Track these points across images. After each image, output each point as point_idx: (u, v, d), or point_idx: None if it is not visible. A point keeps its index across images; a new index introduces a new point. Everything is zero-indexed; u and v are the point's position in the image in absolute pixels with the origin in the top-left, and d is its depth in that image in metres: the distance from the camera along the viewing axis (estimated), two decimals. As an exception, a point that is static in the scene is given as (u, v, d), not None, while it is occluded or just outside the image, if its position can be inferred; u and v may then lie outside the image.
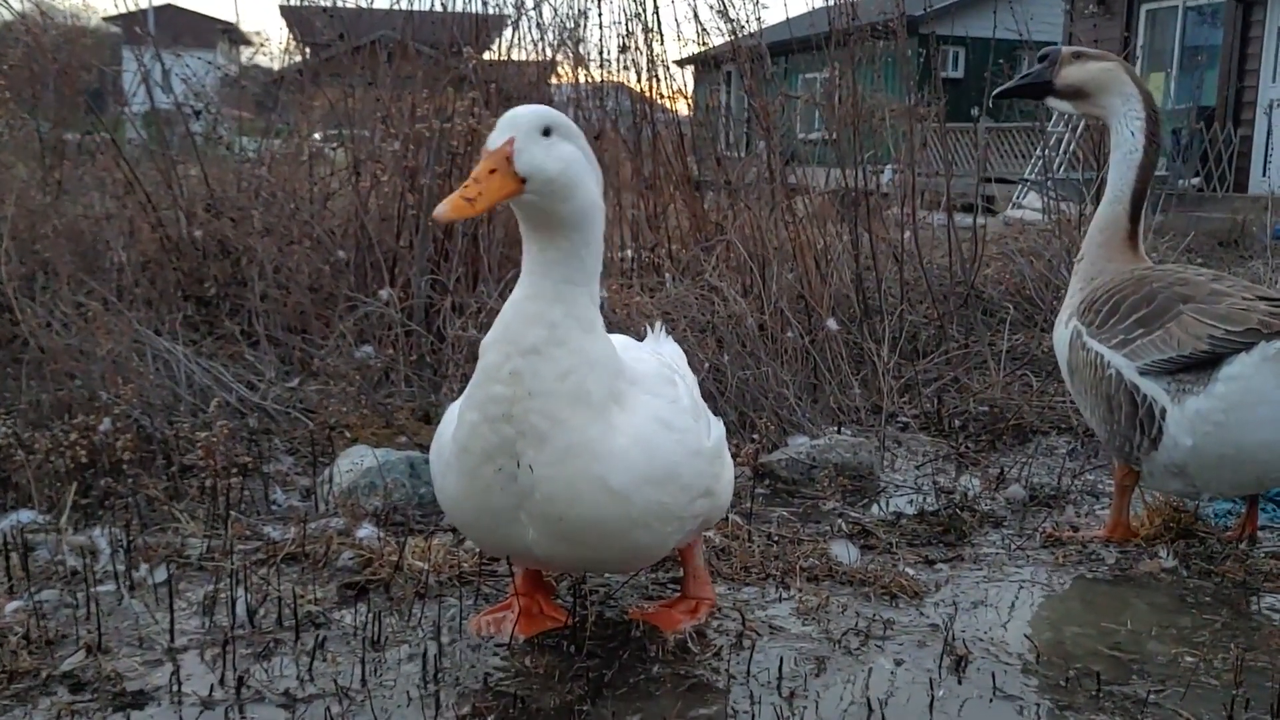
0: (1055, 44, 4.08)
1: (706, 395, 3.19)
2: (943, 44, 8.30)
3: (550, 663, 2.71)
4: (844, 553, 3.45)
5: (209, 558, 3.31)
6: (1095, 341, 3.64)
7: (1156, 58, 20.58)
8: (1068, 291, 4.00)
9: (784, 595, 3.19)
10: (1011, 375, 5.77)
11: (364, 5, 7.09)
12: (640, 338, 3.26)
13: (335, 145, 6.95)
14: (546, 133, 2.43)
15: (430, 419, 4.67)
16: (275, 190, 6.22)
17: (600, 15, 11.05)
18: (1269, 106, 18.14)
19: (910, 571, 3.38)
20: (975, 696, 2.63)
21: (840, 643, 2.89)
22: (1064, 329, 3.86)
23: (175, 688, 2.54)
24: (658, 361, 2.83)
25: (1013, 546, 3.71)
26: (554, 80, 7.04)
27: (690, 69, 9.42)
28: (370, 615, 2.88)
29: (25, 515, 3.55)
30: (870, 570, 3.34)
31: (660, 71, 6.74)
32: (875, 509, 4.08)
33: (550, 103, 6.65)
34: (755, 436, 4.47)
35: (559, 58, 6.84)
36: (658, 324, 3.37)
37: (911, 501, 4.15)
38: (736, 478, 3.15)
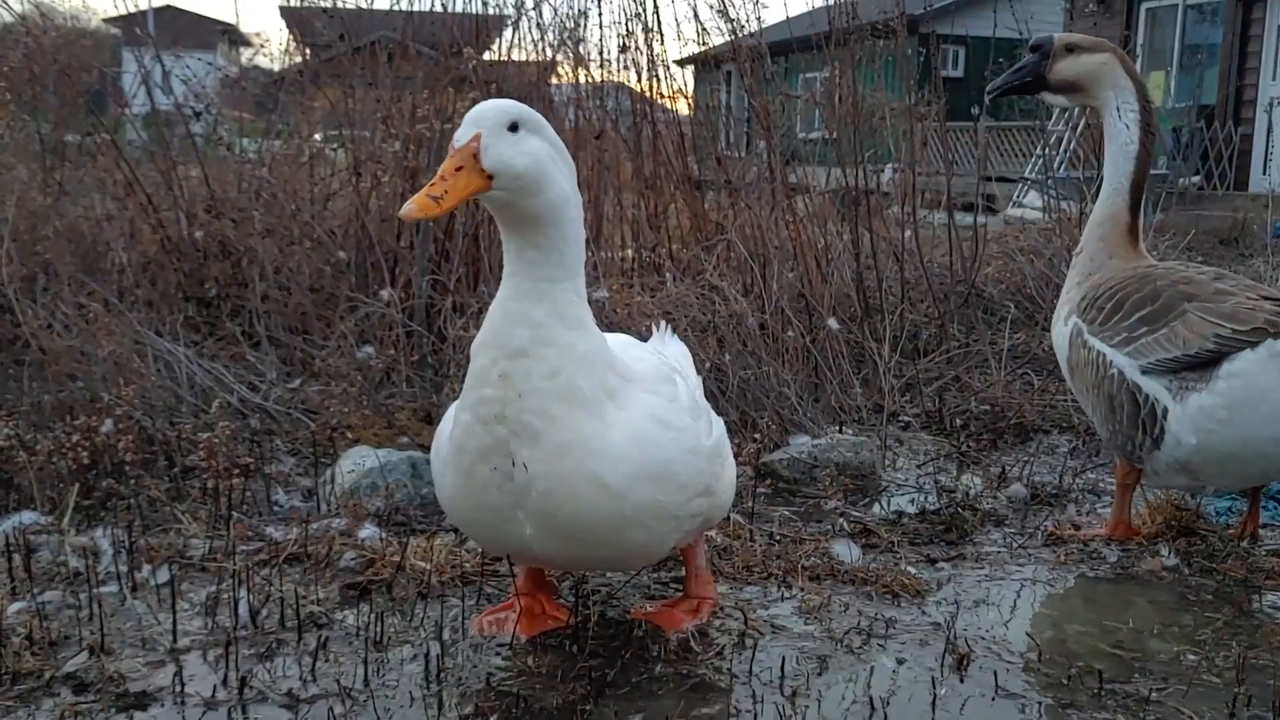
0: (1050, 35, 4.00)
1: (708, 395, 3.19)
2: (943, 43, 8.29)
3: (553, 662, 2.71)
4: (846, 552, 3.45)
5: (211, 558, 3.31)
6: (1096, 340, 3.63)
7: (1156, 56, 20.58)
8: (1065, 285, 3.99)
9: (786, 594, 3.19)
10: (1013, 374, 5.77)
11: (364, 6, 7.09)
12: (643, 338, 3.26)
13: (336, 146, 6.95)
14: (514, 128, 2.42)
15: (432, 419, 4.67)
16: (276, 191, 6.23)
17: (600, 15, 11.05)
18: (1269, 104, 18.14)
19: (912, 570, 3.38)
20: (977, 695, 2.63)
21: (842, 642, 2.89)
22: (1063, 326, 3.85)
23: (178, 688, 2.55)
24: (658, 360, 2.83)
25: (1014, 545, 3.71)
26: (554, 80, 7.04)
27: (690, 69, 9.42)
28: (373, 615, 2.88)
29: (28, 516, 3.55)
30: (872, 569, 3.34)
31: (660, 71, 6.73)
32: (877, 508, 4.08)
33: (551, 103, 6.66)
34: (756, 436, 4.47)
35: (559, 58, 6.84)
36: (663, 324, 3.37)
37: (913, 500, 4.15)
38: (738, 477, 3.15)
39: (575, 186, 2.54)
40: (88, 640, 2.74)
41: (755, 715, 2.50)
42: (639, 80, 6.72)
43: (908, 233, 6.68)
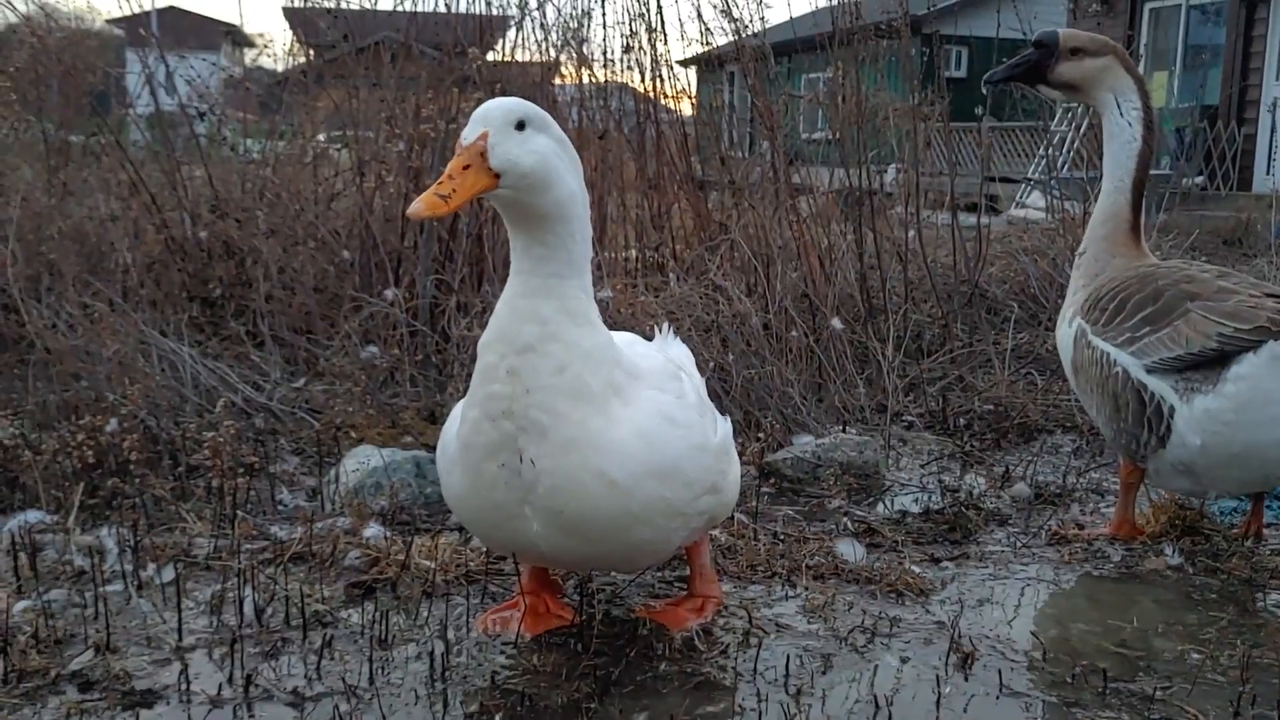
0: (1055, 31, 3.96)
1: (711, 394, 3.19)
2: (946, 43, 8.29)
3: (557, 661, 2.71)
4: (850, 551, 3.45)
5: (216, 557, 3.31)
6: (1100, 340, 3.63)
7: (1160, 56, 20.56)
8: (1069, 287, 3.98)
9: (790, 593, 3.19)
10: (1016, 374, 5.77)
11: (367, 6, 7.10)
12: (647, 338, 3.27)
13: (340, 146, 6.96)
14: (521, 126, 2.43)
15: (436, 418, 4.68)
16: (280, 191, 6.24)
17: (604, 15, 11.07)
18: (1273, 104, 18.12)
19: (916, 569, 3.38)
20: (981, 693, 2.63)
21: (846, 640, 2.89)
22: (1067, 327, 3.85)
23: (184, 686, 2.55)
24: (664, 358, 2.83)
25: (1018, 544, 3.71)
26: (558, 80, 7.04)
27: (694, 69, 9.43)
28: (377, 614, 2.89)
29: (33, 515, 3.56)
30: (876, 568, 3.34)
31: (664, 71, 6.74)
32: (880, 507, 4.09)
33: (555, 103, 6.66)
34: (760, 435, 4.47)
35: (563, 58, 6.84)
36: (665, 325, 3.37)
37: (917, 500, 4.15)
38: (742, 476, 3.15)
39: (582, 184, 2.54)
40: (93, 638, 2.74)
41: (760, 714, 2.50)
42: (642, 80, 6.73)
43: (911, 233, 6.68)
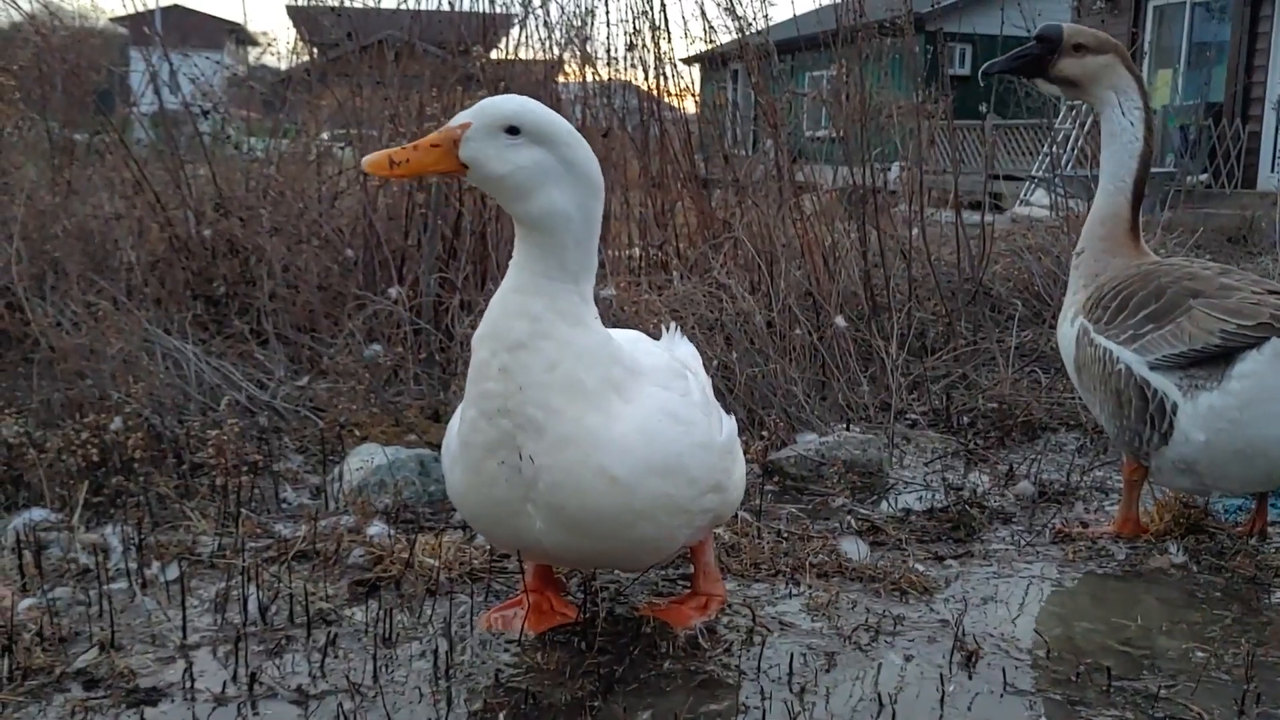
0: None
1: (715, 393, 3.19)
2: (950, 41, 8.29)
3: (561, 659, 2.71)
4: (853, 549, 3.45)
5: (220, 555, 3.32)
6: (1103, 338, 3.62)
7: (1164, 54, 20.52)
8: (1069, 286, 3.98)
9: (794, 591, 3.19)
10: (1020, 372, 5.76)
11: (371, 5, 7.11)
12: (654, 336, 3.26)
13: (343, 145, 6.97)
14: (513, 131, 2.41)
15: (439, 417, 4.68)
16: (284, 190, 6.24)
17: (607, 13, 11.04)
18: (1277, 102, 18.07)
19: (920, 568, 3.38)
20: (986, 691, 2.63)
21: (850, 639, 2.89)
22: (1069, 326, 3.84)
23: (188, 684, 2.55)
24: (669, 356, 2.83)
25: (1022, 543, 3.71)
26: (561, 79, 7.04)
27: (697, 67, 9.43)
28: (381, 612, 2.89)
29: (38, 513, 3.56)
30: (880, 566, 3.34)
31: (667, 69, 6.74)
32: (884, 506, 4.09)
33: (559, 101, 6.66)
34: (764, 434, 4.47)
35: (566, 56, 6.84)
36: (673, 325, 3.37)
37: (921, 498, 4.15)
38: (745, 474, 3.15)
39: (584, 204, 2.49)
40: (98, 636, 2.75)
41: (764, 712, 2.50)
42: (646, 78, 6.73)
43: (915, 231, 6.68)
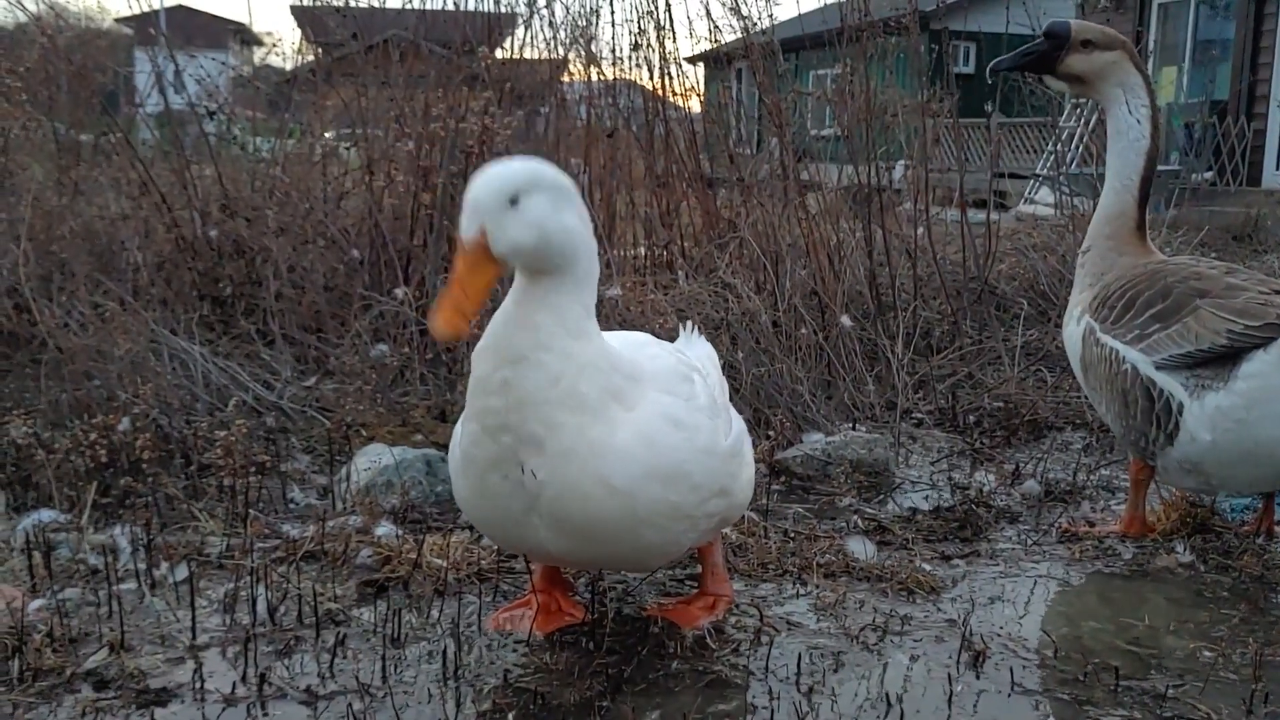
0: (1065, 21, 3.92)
1: (721, 392, 3.20)
2: (955, 39, 8.28)
3: (569, 659, 2.72)
4: (860, 549, 3.45)
5: (229, 556, 3.32)
6: (1109, 337, 3.62)
7: (1169, 52, 20.48)
8: (1075, 285, 3.97)
9: (801, 591, 3.19)
10: (1026, 371, 5.76)
11: (376, 5, 7.11)
12: (665, 338, 3.25)
13: (349, 145, 6.98)
14: (514, 200, 2.37)
15: (446, 417, 4.69)
16: (289, 190, 6.26)
17: (612, 13, 11.04)
18: (1282, 100, 18.05)
19: (927, 567, 3.38)
20: (993, 691, 2.63)
21: (857, 638, 2.89)
22: (1075, 326, 3.83)
23: (198, 685, 2.56)
24: (675, 359, 2.81)
25: (1029, 542, 3.71)
26: (566, 78, 7.05)
27: (702, 66, 9.43)
28: (390, 612, 2.89)
29: (46, 514, 3.57)
30: (887, 566, 3.35)
31: (672, 69, 6.75)
32: (891, 505, 4.09)
33: (563, 101, 6.67)
34: (770, 433, 4.47)
35: (571, 56, 6.85)
36: (689, 324, 3.36)
37: (927, 498, 4.15)
38: (754, 477, 3.15)
39: (583, 218, 2.48)
40: (108, 637, 2.76)
41: (771, 711, 2.51)
42: (651, 78, 6.74)
43: (920, 229, 6.68)
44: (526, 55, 6.95)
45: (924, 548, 3.61)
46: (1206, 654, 2.86)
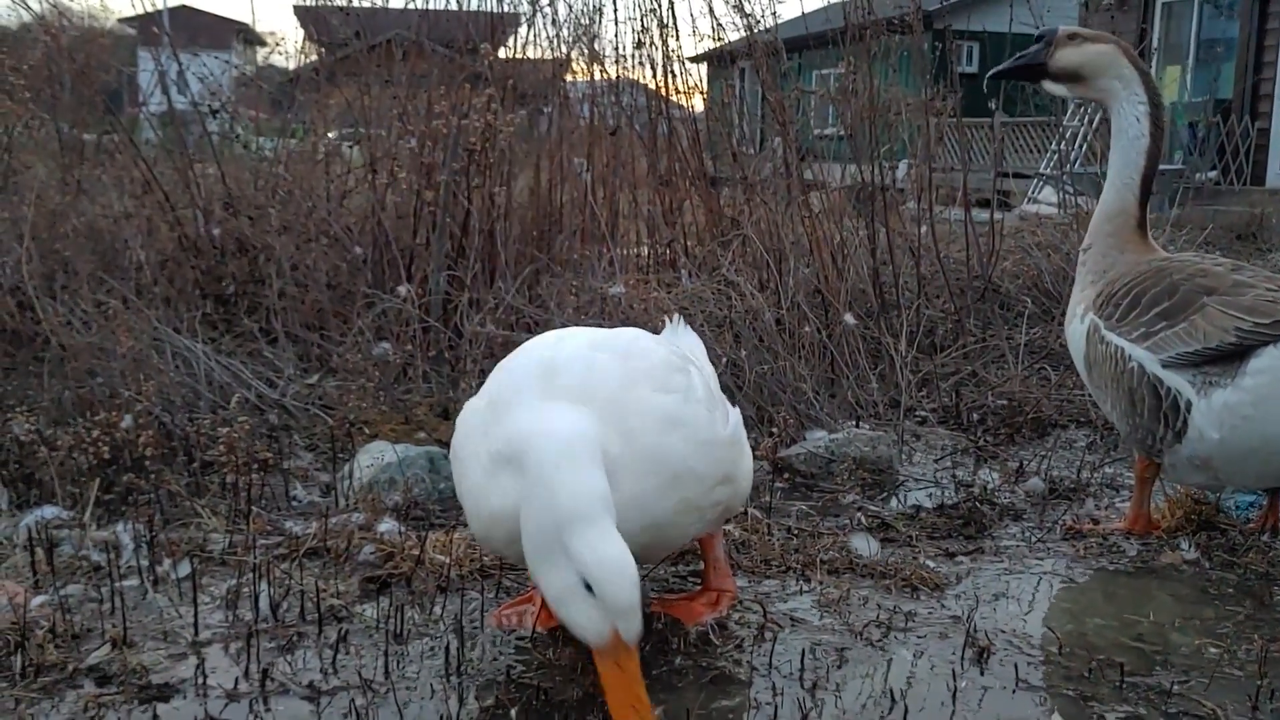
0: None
1: (724, 390, 3.18)
2: (958, 38, 8.28)
3: (572, 655, 2.71)
4: (864, 546, 3.45)
5: (231, 553, 3.32)
6: (1115, 335, 3.61)
7: (1173, 51, 20.49)
8: (1076, 283, 3.96)
9: (805, 588, 3.19)
10: (1029, 369, 5.76)
11: (379, 4, 7.12)
12: (658, 333, 3.25)
13: (352, 143, 6.98)
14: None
15: (449, 414, 4.68)
16: (292, 188, 6.26)
17: (615, 11, 11.05)
18: (1286, 99, 18.05)
19: (930, 564, 3.37)
20: (998, 687, 2.62)
21: (861, 635, 2.88)
22: (1079, 324, 3.81)
23: (200, 680, 2.56)
24: (666, 351, 2.78)
25: (1033, 539, 3.70)
26: (569, 77, 7.05)
27: (705, 65, 9.42)
28: (392, 609, 2.89)
29: (49, 511, 3.56)
30: (890, 563, 3.34)
31: (675, 67, 6.75)
32: (894, 502, 4.08)
33: (566, 100, 6.66)
34: (773, 431, 4.47)
35: (574, 54, 6.86)
36: (676, 317, 3.36)
37: (931, 495, 4.14)
38: (755, 472, 3.15)
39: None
40: (110, 633, 2.75)
41: (775, 707, 2.50)
42: (654, 76, 6.74)
43: (924, 228, 6.68)
44: (529, 54, 6.96)
45: (928, 545, 3.60)
46: (1211, 650, 2.85)
